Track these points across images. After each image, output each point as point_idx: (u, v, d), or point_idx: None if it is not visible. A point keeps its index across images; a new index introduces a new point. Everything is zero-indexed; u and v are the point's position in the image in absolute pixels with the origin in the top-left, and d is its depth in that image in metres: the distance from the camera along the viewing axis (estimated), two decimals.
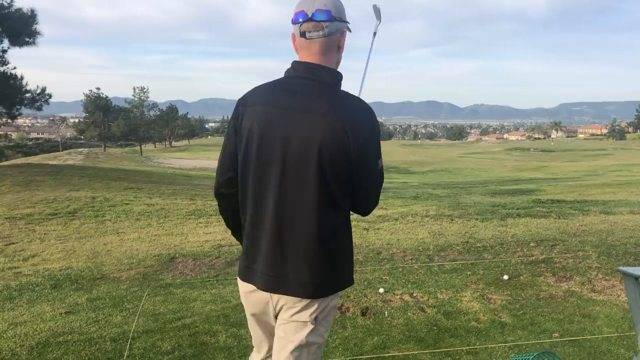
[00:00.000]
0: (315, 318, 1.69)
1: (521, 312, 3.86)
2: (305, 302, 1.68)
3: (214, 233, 6.80)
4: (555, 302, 4.07)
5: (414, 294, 4.19)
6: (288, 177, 1.62)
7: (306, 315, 1.68)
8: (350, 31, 1.75)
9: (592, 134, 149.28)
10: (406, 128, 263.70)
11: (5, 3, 18.04)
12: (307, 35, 1.65)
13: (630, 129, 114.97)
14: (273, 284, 1.69)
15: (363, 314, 3.78)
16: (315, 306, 1.69)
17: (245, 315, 1.93)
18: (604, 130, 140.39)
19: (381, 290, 4.24)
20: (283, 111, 1.63)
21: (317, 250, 1.64)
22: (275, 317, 1.77)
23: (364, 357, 3.14)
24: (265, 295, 1.73)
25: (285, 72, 1.73)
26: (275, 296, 1.71)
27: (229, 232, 1.86)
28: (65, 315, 3.80)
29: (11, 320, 3.73)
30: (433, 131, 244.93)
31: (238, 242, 1.87)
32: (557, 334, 3.46)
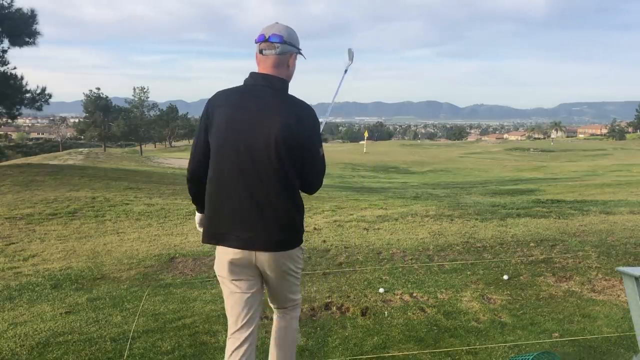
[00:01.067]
0: (290, 261, 2.22)
1: (521, 312, 3.86)
2: (279, 254, 2.17)
3: None
4: (555, 302, 4.07)
5: (414, 294, 4.19)
6: (256, 162, 2.08)
7: (281, 261, 2.19)
8: (305, 57, 2.29)
9: (592, 134, 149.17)
10: (406, 128, 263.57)
11: (5, 3, 18.04)
12: (263, 52, 2.15)
13: (630, 129, 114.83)
14: (251, 243, 2.13)
15: (363, 314, 3.79)
16: (287, 254, 2.19)
17: None
18: (604, 130, 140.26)
19: (381, 290, 4.24)
20: (247, 111, 2.10)
21: (284, 217, 2.14)
22: (257, 273, 2.23)
23: (364, 357, 3.14)
24: (246, 254, 2.15)
25: (245, 80, 2.18)
26: (253, 253, 2.15)
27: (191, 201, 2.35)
28: (65, 315, 3.80)
29: (11, 320, 3.73)
30: (433, 131, 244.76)
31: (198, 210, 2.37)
32: (557, 334, 3.46)
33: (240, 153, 2.09)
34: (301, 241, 2.26)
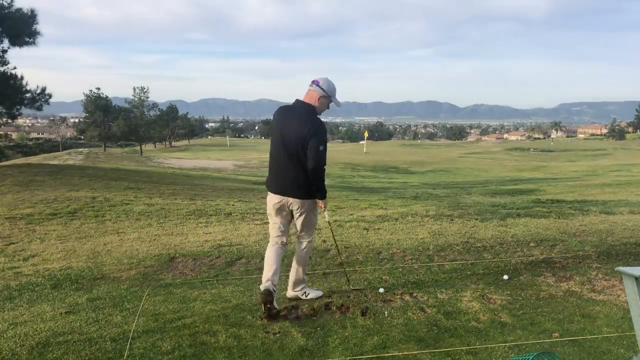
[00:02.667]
0: (306, 208, 3.87)
1: (521, 312, 3.86)
2: (300, 200, 3.83)
3: (214, 233, 6.80)
4: (555, 302, 4.07)
5: (414, 294, 4.19)
6: (288, 150, 3.71)
7: (301, 205, 3.85)
8: (331, 103, 3.84)
9: (592, 134, 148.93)
10: (406, 128, 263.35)
11: (5, 3, 18.01)
12: (308, 88, 3.82)
13: (630, 129, 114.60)
14: (282, 191, 3.81)
15: (363, 314, 3.78)
16: (306, 202, 3.85)
17: (244, 315, 3.67)
18: (604, 130, 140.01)
19: (381, 290, 4.24)
20: (288, 120, 3.76)
21: (297, 180, 3.75)
22: (291, 211, 3.90)
23: (364, 357, 3.14)
24: (279, 198, 3.85)
25: (293, 102, 3.83)
26: (283, 197, 3.83)
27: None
28: (65, 315, 3.80)
29: (11, 320, 3.73)
30: (433, 131, 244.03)
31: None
32: (557, 334, 3.46)
33: (282, 144, 3.73)
34: (311, 196, 3.81)
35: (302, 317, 3.74)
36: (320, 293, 4.14)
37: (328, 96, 3.75)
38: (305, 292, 4.09)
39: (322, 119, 3.88)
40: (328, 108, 3.87)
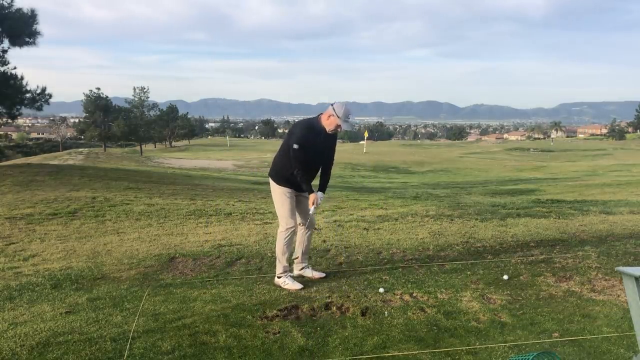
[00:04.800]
0: (270, 186, 4.57)
1: (521, 312, 3.86)
2: (269, 177, 4.58)
3: (214, 233, 6.80)
4: (555, 302, 4.07)
5: (414, 294, 4.19)
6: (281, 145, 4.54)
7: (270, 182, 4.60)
8: (335, 116, 4.22)
9: (592, 134, 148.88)
10: (406, 128, 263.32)
11: (5, 3, 18.01)
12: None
13: (630, 129, 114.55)
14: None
15: (363, 314, 3.78)
16: (270, 179, 4.56)
17: (244, 315, 3.63)
18: (604, 130, 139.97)
19: (381, 290, 4.24)
20: None
21: (275, 161, 4.54)
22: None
23: (364, 357, 3.14)
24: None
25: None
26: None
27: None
28: (65, 315, 3.80)
29: (11, 320, 3.73)
30: (433, 131, 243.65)
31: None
32: (557, 334, 3.46)
33: None
34: (272, 176, 4.49)
35: (302, 317, 3.75)
36: (298, 286, 4.33)
37: (334, 112, 4.21)
38: (285, 282, 4.41)
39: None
40: (338, 129, 4.27)
